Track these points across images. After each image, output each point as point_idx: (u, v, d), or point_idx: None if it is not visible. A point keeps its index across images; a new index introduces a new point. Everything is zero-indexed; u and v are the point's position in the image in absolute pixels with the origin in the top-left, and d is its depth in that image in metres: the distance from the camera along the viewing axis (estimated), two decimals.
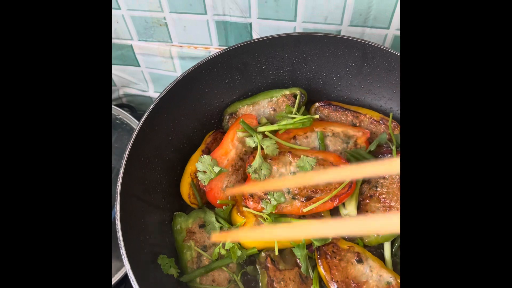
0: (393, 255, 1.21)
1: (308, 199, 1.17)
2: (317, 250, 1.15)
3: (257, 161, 1.17)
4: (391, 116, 1.34)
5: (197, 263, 1.19)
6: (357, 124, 1.36)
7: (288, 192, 1.18)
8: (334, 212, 1.25)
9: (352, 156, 1.27)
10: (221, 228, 1.21)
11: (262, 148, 1.21)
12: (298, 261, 1.19)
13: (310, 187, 1.18)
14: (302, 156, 1.20)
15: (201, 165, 1.22)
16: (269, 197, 1.16)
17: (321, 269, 1.13)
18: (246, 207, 1.19)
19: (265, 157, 1.22)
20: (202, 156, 1.23)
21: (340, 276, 1.11)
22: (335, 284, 1.10)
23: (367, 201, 1.23)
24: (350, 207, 1.21)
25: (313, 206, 1.15)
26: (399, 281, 1.11)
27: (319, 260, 1.14)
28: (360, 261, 1.14)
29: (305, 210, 1.16)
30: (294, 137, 1.30)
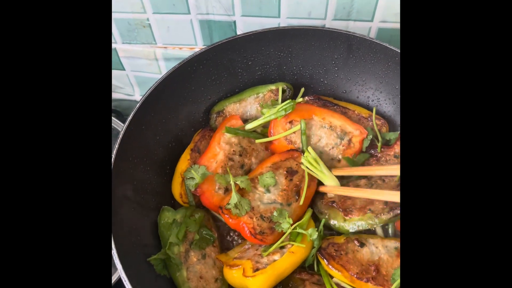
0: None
1: (297, 193, 1.20)
2: (321, 255, 1.13)
3: (234, 198, 1.14)
4: (374, 110, 1.34)
5: (185, 258, 1.16)
6: None
7: (281, 204, 1.18)
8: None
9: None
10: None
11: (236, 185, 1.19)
12: None
13: (293, 186, 1.21)
14: (259, 177, 1.20)
15: (188, 173, 1.22)
16: (276, 218, 1.14)
17: (334, 271, 1.11)
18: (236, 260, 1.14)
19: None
20: (192, 166, 1.22)
21: (357, 267, 1.10)
22: (356, 276, 1.09)
23: None
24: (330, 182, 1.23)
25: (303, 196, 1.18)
26: None
27: (329, 265, 1.11)
28: (362, 244, 1.14)
29: (301, 203, 1.18)
30: (290, 122, 1.28)
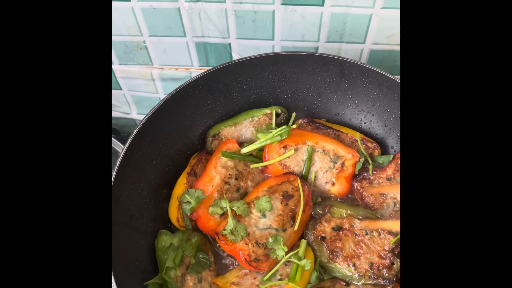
0: None
1: (292, 218, 1.21)
2: None
3: (230, 223, 1.16)
4: (358, 135, 1.36)
5: (181, 282, 1.17)
6: None
7: (276, 230, 1.19)
8: None
9: None
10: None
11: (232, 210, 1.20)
12: None
13: (289, 210, 1.21)
14: (255, 201, 1.21)
15: (183, 197, 1.24)
16: (271, 245, 1.15)
17: None
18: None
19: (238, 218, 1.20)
20: (188, 190, 1.24)
21: None
22: None
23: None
24: None
25: (298, 221, 1.19)
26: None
27: None
28: (348, 284, 1.15)
29: (296, 228, 1.19)
30: (284, 147, 1.30)
